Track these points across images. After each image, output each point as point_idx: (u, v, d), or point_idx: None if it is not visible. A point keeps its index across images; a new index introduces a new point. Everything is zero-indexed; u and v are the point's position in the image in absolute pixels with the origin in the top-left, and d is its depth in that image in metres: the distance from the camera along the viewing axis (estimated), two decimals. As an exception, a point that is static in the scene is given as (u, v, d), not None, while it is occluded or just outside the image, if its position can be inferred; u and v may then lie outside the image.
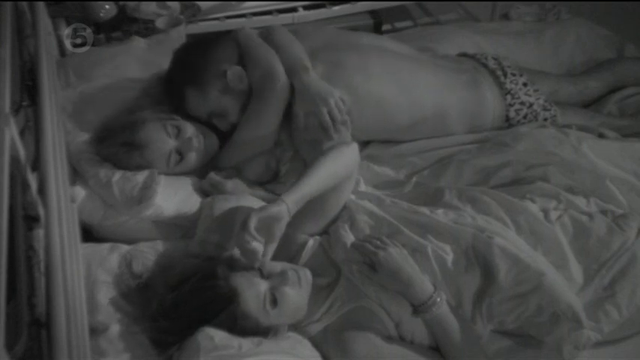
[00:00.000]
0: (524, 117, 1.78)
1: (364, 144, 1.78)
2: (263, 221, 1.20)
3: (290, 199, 1.24)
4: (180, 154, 1.54)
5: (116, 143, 1.51)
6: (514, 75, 1.82)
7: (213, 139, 1.62)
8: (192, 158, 1.56)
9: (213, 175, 1.55)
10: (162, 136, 1.52)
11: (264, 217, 1.20)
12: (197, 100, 1.60)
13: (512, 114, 1.78)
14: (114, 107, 1.65)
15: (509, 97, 1.78)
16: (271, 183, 1.67)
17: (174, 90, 1.62)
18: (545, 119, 1.79)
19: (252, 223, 1.18)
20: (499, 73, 1.81)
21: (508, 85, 1.79)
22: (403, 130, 1.74)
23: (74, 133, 1.57)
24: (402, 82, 1.69)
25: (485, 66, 1.85)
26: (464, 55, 1.96)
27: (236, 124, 1.65)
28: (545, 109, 1.80)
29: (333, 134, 1.54)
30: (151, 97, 1.71)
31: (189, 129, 1.56)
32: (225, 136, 1.66)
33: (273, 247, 1.23)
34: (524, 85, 1.81)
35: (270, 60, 1.60)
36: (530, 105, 1.78)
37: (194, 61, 1.60)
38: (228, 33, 1.68)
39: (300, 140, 1.61)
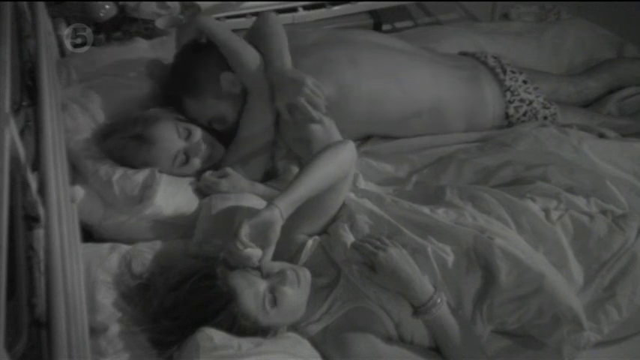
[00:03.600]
0: (524, 114, 1.78)
1: (363, 140, 1.79)
2: (256, 228, 1.20)
3: (282, 202, 1.24)
4: (187, 157, 1.55)
5: (125, 136, 1.51)
6: (513, 72, 1.82)
7: (219, 150, 1.63)
8: (197, 163, 1.57)
9: (207, 175, 1.55)
10: (173, 136, 1.53)
11: (257, 224, 1.20)
12: (196, 109, 1.61)
13: (511, 111, 1.78)
14: (118, 105, 1.65)
15: (508, 94, 1.78)
16: (272, 179, 1.67)
17: (173, 101, 1.64)
18: (545, 117, 1.79)
19: (243, 231, 1.18)
20: (498, 70, 1.82)
21: (507, 82, 1.79)
22: (396, 124, 1.73)
23: (74, 130, 1.56)
24: (394, 76, 1.69)
25: (484, 64, 1.85)
26: (464, 54, 1.97)
27: (236, 127, 1.66)
28: (544, 107, 1.80)
29: (316, 117, 1.53)
30: (157, 97, 1.71)
31: (199, 133, 1.58)
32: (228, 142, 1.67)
33: (271, 251, 1.23)
34: (524, 82, 1.81)
35: (246, 53, 1.62)
36: (530, 102, 1.79)
37: (187, 71, 1.63)
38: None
39: (290, 137, 1.62)
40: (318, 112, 1.54)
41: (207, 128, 1.63)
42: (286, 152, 1.68)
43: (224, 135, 1.66)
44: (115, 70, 1.78)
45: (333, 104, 1.59)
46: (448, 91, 1.74)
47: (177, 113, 1.61)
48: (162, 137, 1.51)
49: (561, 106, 1.85)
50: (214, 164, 1.63)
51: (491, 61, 1.86)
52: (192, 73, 1.62)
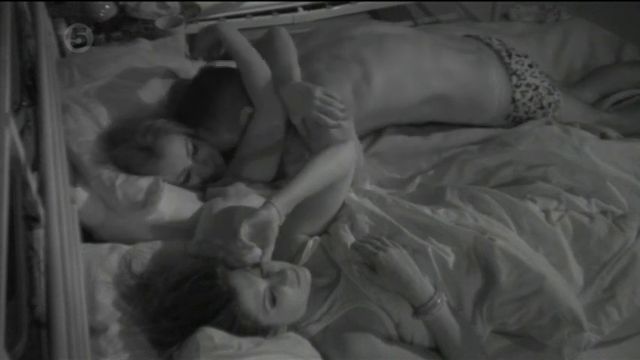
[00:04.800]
0: (530, 99, 1.78)
1: (371, 141, 1.79)
2: (254, 227, 1.20)
3: (279, 201, 1.24)
4: (188, 175, 1.56)
5: (134, 146, 1.51)
6: (519, 56, 1.82)
7: (222, 170, 1.64)
8: (196, 181, 1.59)
9: (211, 190, 1.57)
10: (182, 153, 1.53)
11: (255, 223, 1.20)
12: (209, 139, 1.62)
13: (518, 95, 1.77)
14: (120, 107, 1.64)
15: (514, 78, 1.77)
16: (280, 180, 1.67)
17: (186, 124, 1.61)
18: (550, 104, 1.79)
19: (243, 230, 1.18)
20: (504, 54, 1.81)
21: (513, 66, 1.78)
22: (407, 111, 1.74)
23: (76, 132, 1.56)
24: (401, 64, 1.69)
25: (489, 46, 1.84)
26: (468, 36, 1.96)
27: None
28: (549, 92, 1.79)
29: (333, 124, 1.53)
30: (160, 101, 1.71)
31: (205, 151, 1.58)
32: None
33: (270, 249, 1.23)
34: (530, 66, 1.80)
35: (259, 69, 1.62)
36: (536, 87, 1.78)
37: (205, 103, 1.61)
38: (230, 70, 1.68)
39: (309, 138, 1.61)
40: (333, 120, 1.53)
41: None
42: (297, 157, 1.67)
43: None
44: (118, 71, 1.77)
45: (349, 104, 1.59)
46: (454, 75, 1.73)
47: (186, 127, 1.59)
48: (171, 153, 1.51)
49: (564, 94, 1.85)
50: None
51: (496, 44, 1.85)
52: (210, 106, 1.61)
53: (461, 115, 1.80)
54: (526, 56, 1.83)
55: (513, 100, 1.77)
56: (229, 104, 1.61)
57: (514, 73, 1.77)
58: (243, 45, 1.65)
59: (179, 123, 1.58)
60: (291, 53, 1.66)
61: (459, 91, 1.74)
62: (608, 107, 1.96)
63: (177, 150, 1.53)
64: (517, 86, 1.77)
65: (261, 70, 1.62)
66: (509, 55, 1.80)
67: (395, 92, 1.68)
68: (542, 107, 1.79)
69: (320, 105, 1.53)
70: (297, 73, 1.61)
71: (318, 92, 1.54)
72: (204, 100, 1.62)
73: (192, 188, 1.59)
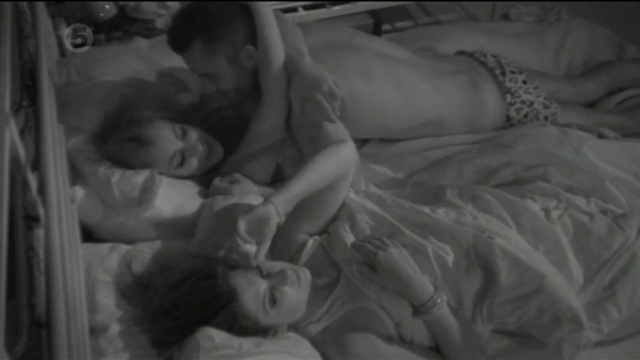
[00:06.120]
0: (525, 116, 1.78)
1: (362, 142, 1.79)
2: (251, 223, 1.20)
3: (278, 199, 1.24)
4: (183, 157, 1.54)
5: (122, 139, 1.50)
6: (513, 73, 1.82)
7: (218, 150, 1.62)
8: (194, 164, 1.56)
9: (218, 182, 1.55)
10: (170, 136, 1.52)
11: (252, 219, 1.20)
12: (200, 56, 1.56)
13: (512, 113, 1.77)
14: (113, 105, 1.65)
15: (509, 96, 1.77)
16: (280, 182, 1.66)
17: (181, 35, 1.56)
18: (546, 118, 1.79)
19: (241, 226, 1.18)
20: (498, 72, 1.81)
21: (507, 84, 1.78)
22: (402, 131, 1.75)
23: (72, 131, 1.55)
24: (401, 87, 1.69)
25: (484, 64, 1.84)
26: (462, 52, 1.96)
27: (224, 91, 1.65)
28: (545, 107, 1.79)
29: (330, 116, 1.52)
30: (150, 95, 1.71)
31: (195, 133, 1.57)
32: (228, 146, 1.66)
33: (265, 247, 1.23)
34: (524, 82, 1.80)
35: (278, 54, 1.58)
36: (531, 103, 1.78)
37: (215, 18, 1.54)
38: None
39: (302, 137, 1.61)
40: (333, 109, 1.52)
41: (205, 129, 1.62)
42: (296, 160, 1.65)
43: (223, 135, 1.66)
44: (116, 69, 1.78)
45: (344, 110, 1.58)
46: (449, 100, 1.74)
47: (169, 114, 1.58)
48: (160, 137, 1.50)
49: (562, 105, 1.85)
50: (215, 165, 1.63)
51: (490, 61, 1.85)
52: (218, 22, 1.53)
53: (454, 133, 1.80)
54: (520, 72, 1.83)
55: (508, 118, 1.78)
56: (236, 33, 1.55)
57: (508, 91, 1.78)
58: (272, 25, 1.59)
59: (156, 109, 1.56)
60: (299, 36, 1.64)
61: (454, 114, 1.75)
62: (610, 109, 1.95)
63: (165, 133, 1.51)
64: (511, 104, 1.77)
65: (280, 55, 1.57)
66: (504, 73, 1.81)
67: (390, 113, 1.68)
68: (538, 121, 1.80)
69: (326, 92, 1.51)
70: (306, 53, 1.59)
71: (330, 79, 1.52)
72: (215, 15, 1.54)
73: (194, 183, 1.58)
